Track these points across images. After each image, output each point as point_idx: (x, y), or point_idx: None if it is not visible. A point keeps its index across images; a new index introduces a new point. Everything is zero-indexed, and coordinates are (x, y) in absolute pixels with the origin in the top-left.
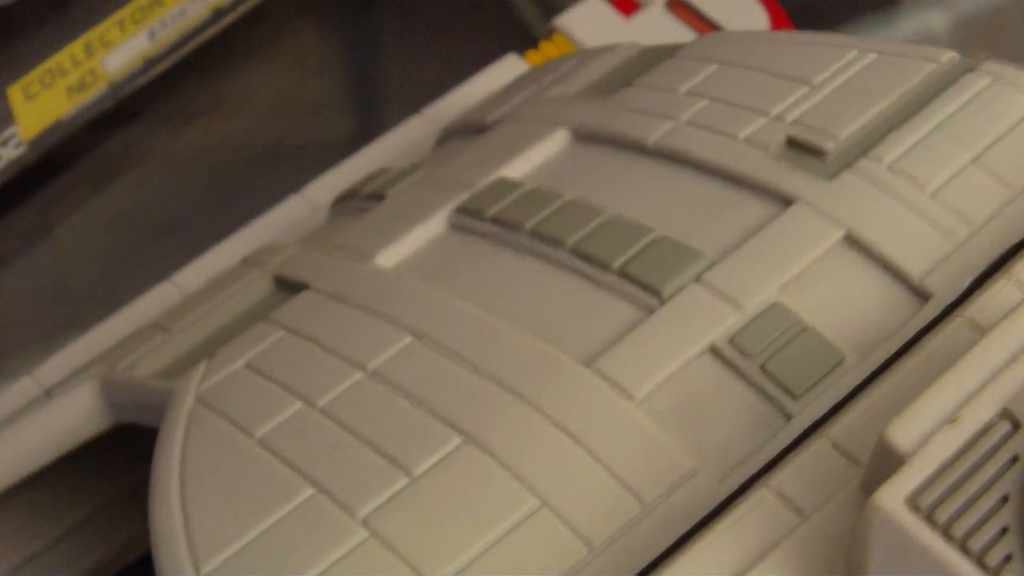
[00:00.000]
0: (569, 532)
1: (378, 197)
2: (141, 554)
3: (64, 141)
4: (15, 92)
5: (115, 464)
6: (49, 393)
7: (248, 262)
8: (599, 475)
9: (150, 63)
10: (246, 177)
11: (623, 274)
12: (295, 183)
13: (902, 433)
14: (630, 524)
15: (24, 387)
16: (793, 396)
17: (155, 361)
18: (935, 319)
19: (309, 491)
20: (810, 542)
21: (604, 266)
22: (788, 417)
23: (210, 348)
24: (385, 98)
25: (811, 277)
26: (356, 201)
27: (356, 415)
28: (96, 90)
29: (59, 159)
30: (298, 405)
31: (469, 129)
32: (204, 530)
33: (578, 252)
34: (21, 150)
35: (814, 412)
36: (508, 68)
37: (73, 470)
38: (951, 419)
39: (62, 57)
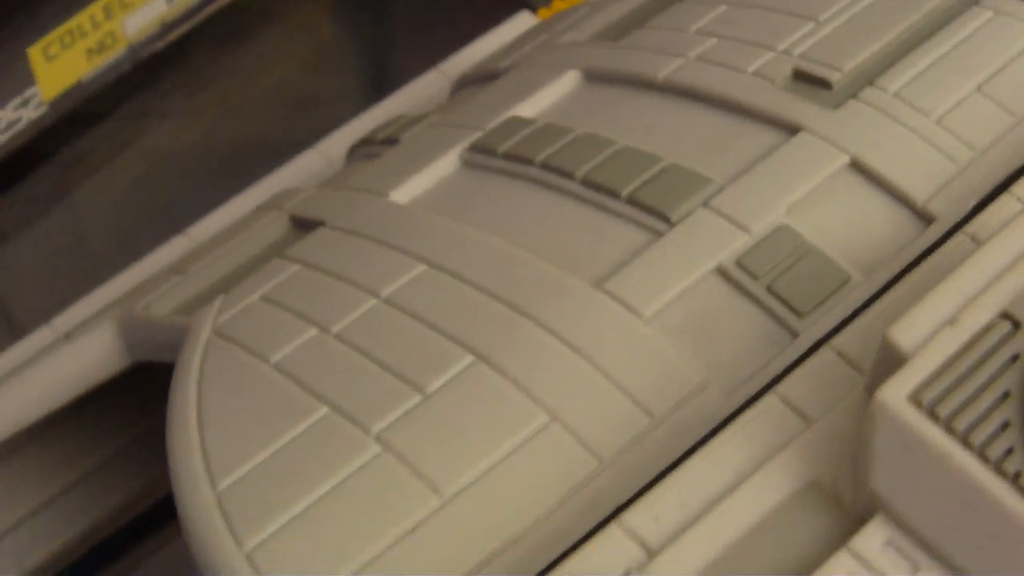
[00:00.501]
0: (579, 446)
1: (392, 142)
2: (160, 497)
3: (84, 102)
4: (35, 53)
5: (132, 408)
6: (68, 337)
7: (263, 207)
8: (609, 390)
9: (167, 27)
10: (265, 138)
11: (632, 201)
12: (322, 128)
13: (904, 334)
14: (639, 437)
15: (42, 336)
16: (799, 314)
17: (172, 300)
18: (939, 240)
19: (323, 410)
20: (816, 444)
21: (614, 194)
22: (795, 335)
23: (226, 286)
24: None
25: (817, 201)
26: (370, 147)
27: (369, 339)
28: (115, 52)
29: (80, 122)
30: (313, 331)
31: (482, 78)
32: (220, 449)
33: (588, 182)
34: (41, 110)
35: (820, 329)
36: (521, 24)
37: (91, 414)
38: (951, 321)
39: (82, 19)
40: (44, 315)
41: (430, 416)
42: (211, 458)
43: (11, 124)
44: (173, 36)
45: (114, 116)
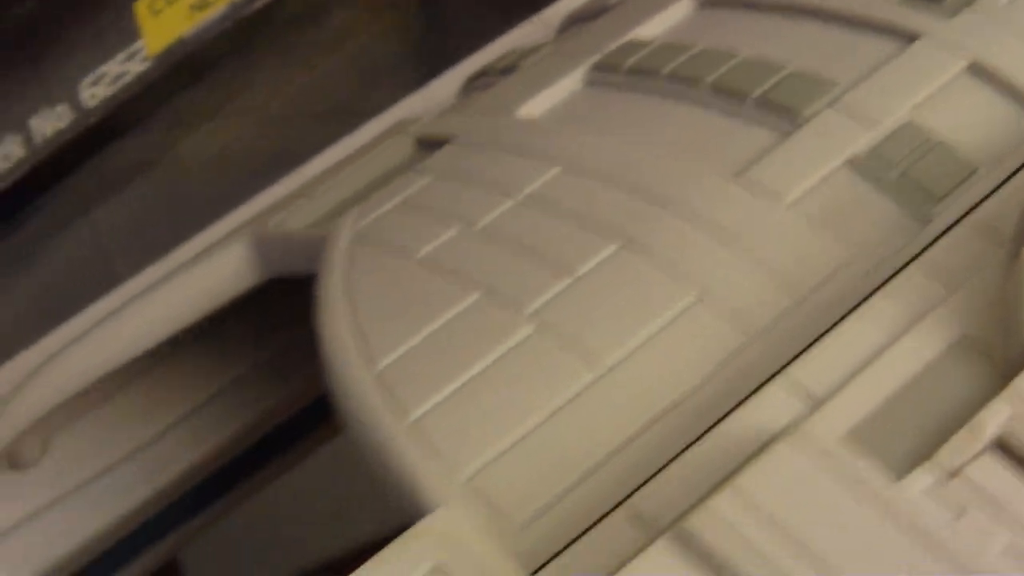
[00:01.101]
0: (727, 322)
1: (510, 71)
2: (284, 418)
3: (185, 59)
4: (141, 8)
5: (257, 329)
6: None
7: (382, 135)
8: (753, 270)
9: None
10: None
11: (761, 103)
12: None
13: None
14: (784, 314)
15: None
16: (931, 201)
17: (303, 218)
18: None
19: (475, 295)
20: (964, 305)
21: (742, 98)
22: (927, 220)
23: (357, 202)
24: None
25: (939, 101)
26: (487, 78)
27: (514, 231)
28: (217, 9)
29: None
30: (454, 229)
31: (591, 15)
32: (375, 334)
33: (716, 87)
34: (147, 65)
35: (953, 214)
36: None
37: (218, 335)
38: None
39: None
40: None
41: (581, 297)
42: (367, 342)
43: (117, 77)
44: None
45: (220, 69)
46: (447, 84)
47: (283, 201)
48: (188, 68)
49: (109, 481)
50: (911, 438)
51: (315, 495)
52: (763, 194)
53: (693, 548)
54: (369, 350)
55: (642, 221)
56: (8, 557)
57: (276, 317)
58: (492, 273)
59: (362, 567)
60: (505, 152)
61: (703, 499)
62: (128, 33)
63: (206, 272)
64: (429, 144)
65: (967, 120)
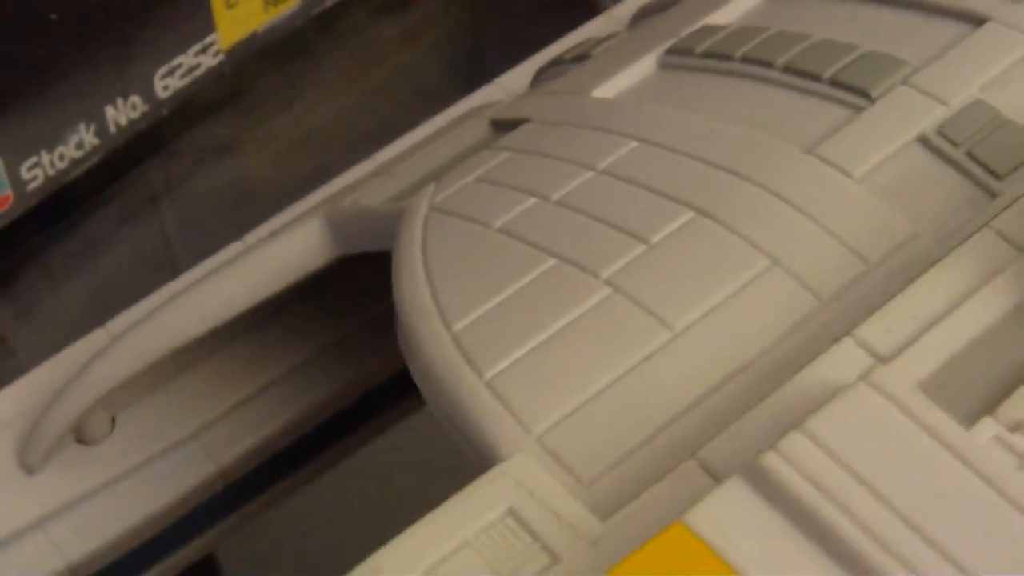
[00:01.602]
0: (799, 287)
1: (582, 58)
2: (354, 399)
3: (257, 53)
4: (217, 1)
5: (327, 312)
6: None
7: (458, 118)
8: (825, 240)
9: None
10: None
11: (834, 82)
12: None
13: None
14: (857, 279)
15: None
16: (998, 177)
17: (380, 194)
18: None
19: (551, 261)
20: None
21: (815, 77)
22: (993, 195)
23: (433, 180)
24: None
25: (1008, 81)
26: (560, 67)
27: (590, 202)
28: (289, 6)
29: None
30: (532, 200)
31: (663, 7)
32: (452, 298)
33: (789, 68)
34: (219, 59)
35: (1019, 189)
36: None
37: (297, 312)
38: None
39: None
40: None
41: (657, 262)
42: (444, 306)
43: (190, 69)
44: None
45: (294, 62)
46: (521, 74)
47: (358, 182)
48: (260, 61)
49: (173, 459)
50: (977, 392)
51: (359, 497)
52: (835, 167)
53: (765, 486)
54: (446, 313)
55: (716, 192)
56: (73, 529)
57: (341, 301)
58: (568, 241)
59: (440, 506)
60: (581, 128)
61: (774, 444)
62: (203, 26)
63: (280, 250)
64: (504, 126)
65: None
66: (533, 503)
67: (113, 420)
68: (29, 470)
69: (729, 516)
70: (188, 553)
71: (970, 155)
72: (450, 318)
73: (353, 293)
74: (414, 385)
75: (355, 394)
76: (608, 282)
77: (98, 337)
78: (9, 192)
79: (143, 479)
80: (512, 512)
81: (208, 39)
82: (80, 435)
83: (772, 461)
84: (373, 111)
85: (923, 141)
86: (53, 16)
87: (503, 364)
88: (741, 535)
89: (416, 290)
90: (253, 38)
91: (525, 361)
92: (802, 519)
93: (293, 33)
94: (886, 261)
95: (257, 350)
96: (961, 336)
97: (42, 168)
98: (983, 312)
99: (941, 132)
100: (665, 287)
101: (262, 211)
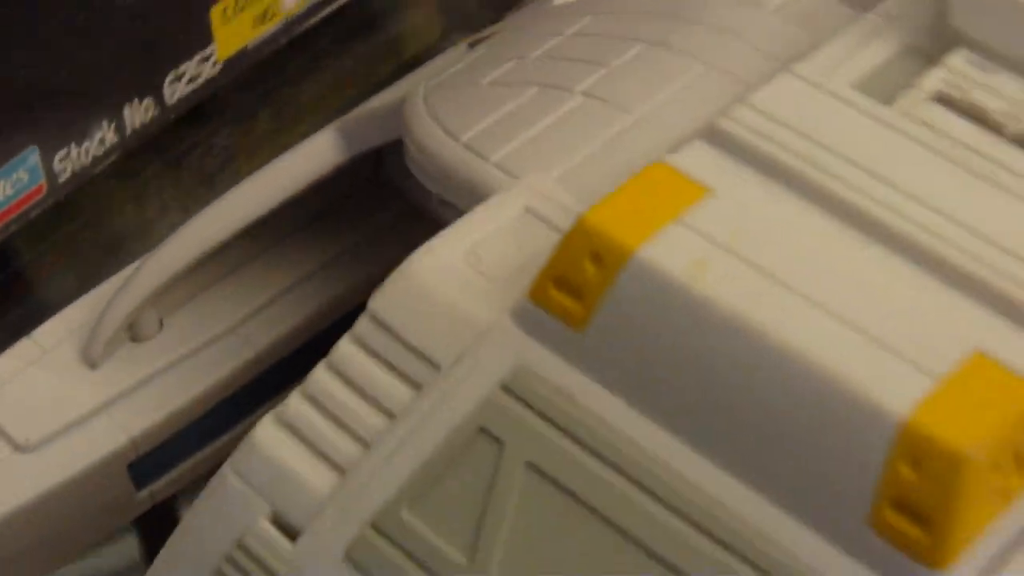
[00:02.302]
0: (732, 80)
1: None
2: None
3: (248, 69)
4: (216, 13)
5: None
6: None
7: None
8: (748, 50)
9: (317, 6)
10: None
11: None
12: None
13: None
14: (769, 74)
15: None
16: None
17: (378, 104)
18: None
19: (535, 88)
20: (903, 27)
21: None
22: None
23: None
24: None
25: None
26: None
27: (562, 52)
28: (275, 24)
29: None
30: (514, 61)
31: None
32: (457, 123)
33: None
34: (216, 70)
35: None
36: None
37: (319, 224)
38: None
39: None
40: None
41: (619, 76)
42: (451, 129)
43: (193, 78)
44: (321, 15)
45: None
46: None
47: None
48: (252, 75)
49: (215, 349)
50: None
51: None
52: (753, 4)
53: (726, 145)
54: (454, 132)
55: (661, 30)
56: (131, 411)
57: (358, 210)
58: (547, 75)
59: (465, 215)
60: (547, 19)
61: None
62: (204, 37)
63: (296, 157)
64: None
65: None
66: (544, 203)
67: (161, 322)
68: (92, 365)
69: (699, 160)
70: (236, 434)
71: None
72: (458, 134)
73: (368, 204)
74: None
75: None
76: (581, 93)
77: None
78: (44, 182)
79: (190, 366)
80: (530, 210)
81: (208, 50)
82: (133, 334)
83: (727, 123)
84: None
85: None
86: (82, 20)
87: (507, 149)
88: (711, 170)
89: (426, 127)
90: (244, 53)
91: (524, 146)
92: (756, 161)
93: (276, 51)
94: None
95: (287, 256)
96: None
97: (71, 161)
98: (875, 55)
99: None
100: (626, 90)
101: None
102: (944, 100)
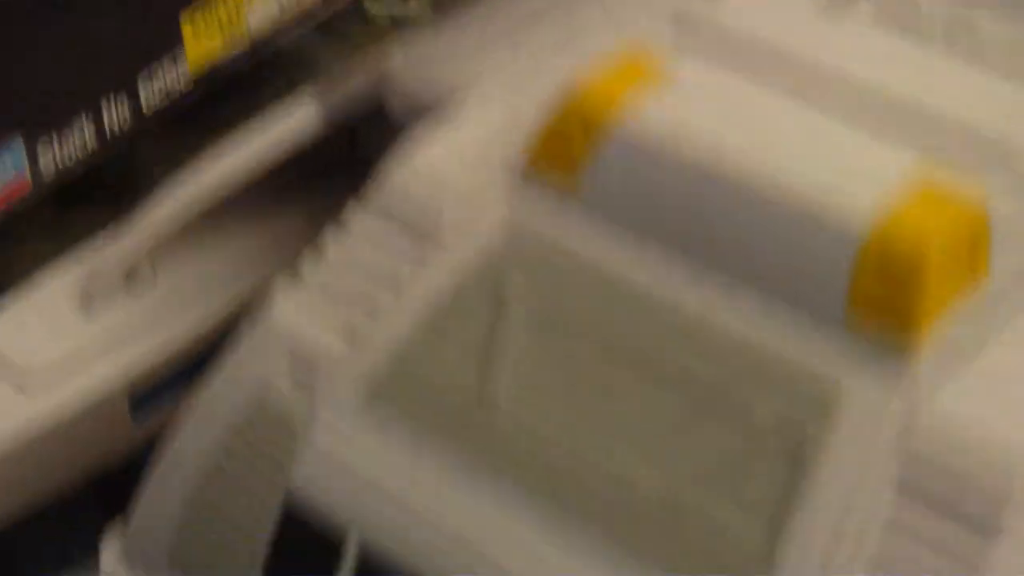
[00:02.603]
0: None
1: None
2: None
3: (220, 84)
4: (187, 28)
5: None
6: None
7: None
8: None
9: (279, 30)
10: None
11: None
12: None
13: None
14: None
15: None
16: None
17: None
18: None
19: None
20: None
21: None
22: None
23: None
24: None
25: None
26: None
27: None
28: (241, 44)
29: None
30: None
31: None
32: (431, 56)
33: None
34: (189, 87)
35: None
36: None
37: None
38: None
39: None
40: None
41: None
42: (427, 58)
43: (169, 93)
44: (283, 40)
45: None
46: None
47: None
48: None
49: (207, 296)
50: None
51: None
52: None
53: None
54: (430, 58)
55: None
56: (129, 354)
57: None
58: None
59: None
60: None
61: None
62: (178, 49)
63: (273, 125)
64: None
65: None
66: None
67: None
68: (89, 312)
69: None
70: None
71: None
72: (435, 61)
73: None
74: None
75: None
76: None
77: None
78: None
79: (183, 313)
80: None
81: (180, 66)
82: (129, 284)
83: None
84: None
85: None
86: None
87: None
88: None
89: (407, 67)
90: (213, 70)
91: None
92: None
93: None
94: None
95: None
96: None
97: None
98: None
99: None
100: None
101: None
102: None
